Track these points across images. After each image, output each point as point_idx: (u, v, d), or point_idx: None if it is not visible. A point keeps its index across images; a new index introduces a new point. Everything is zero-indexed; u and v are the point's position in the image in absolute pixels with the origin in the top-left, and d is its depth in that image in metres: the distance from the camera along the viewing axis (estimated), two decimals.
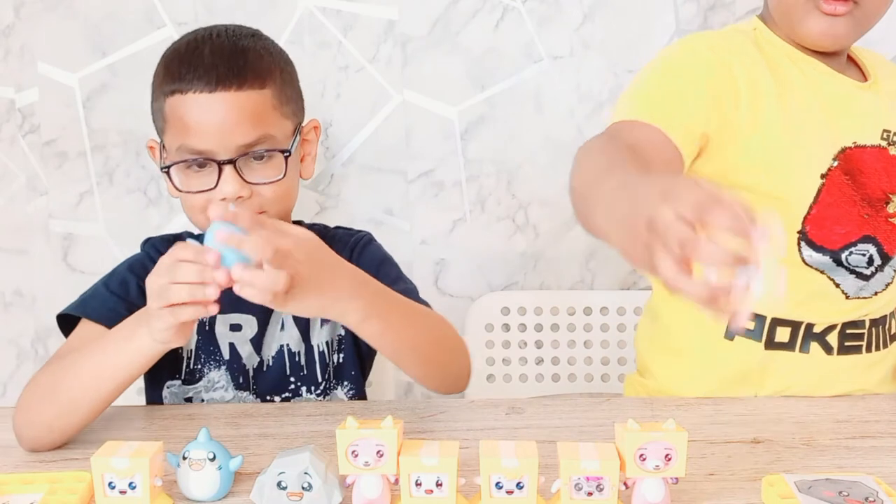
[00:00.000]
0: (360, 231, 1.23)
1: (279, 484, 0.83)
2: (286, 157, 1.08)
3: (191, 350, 1.16)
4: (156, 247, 1.18)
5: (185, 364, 1.16)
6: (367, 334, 0.98)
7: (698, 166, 1.15)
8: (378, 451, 0.81)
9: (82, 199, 1.72)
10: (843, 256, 1.17)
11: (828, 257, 1.17)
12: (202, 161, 1.06)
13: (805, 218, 1.16)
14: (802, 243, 1.17)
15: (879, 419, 1.08)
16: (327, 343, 1.17)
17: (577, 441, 0.84)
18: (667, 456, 0.80)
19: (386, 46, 1.67)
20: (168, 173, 1.09)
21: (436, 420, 1.08)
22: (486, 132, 1.70)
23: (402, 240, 1.72)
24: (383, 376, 1.48)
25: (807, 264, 1.17)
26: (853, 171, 1.17)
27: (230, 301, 1.15)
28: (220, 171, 1.05)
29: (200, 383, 1.16)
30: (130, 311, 1.09)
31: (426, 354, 1.04)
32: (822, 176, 1.16)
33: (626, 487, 0.82)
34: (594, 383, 1.63)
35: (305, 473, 0.83)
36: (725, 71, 1.14)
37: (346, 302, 0.94)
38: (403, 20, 1.66)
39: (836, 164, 1.16)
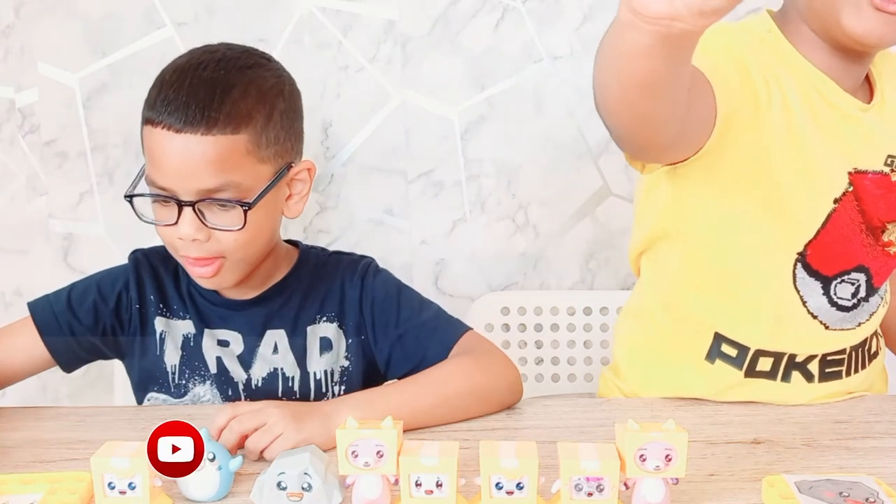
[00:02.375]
0: (364, 256, 1.21)
1: (279, 484, 0.83)
2: (245, 211, 1.03)
3: (174, 365, 1.16)
4: (148, 258, 1.17)
5: (170, 378, 1.16)
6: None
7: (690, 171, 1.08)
8: (378, 452, 0.81)
9: (82, 199, 1.72)
10: (833, 284, 1.13)
11: (819, 283, 1.12)
12: (166, 197, 1.04)
13: (809, 242, 1.11)
14: (799, 265, 1.11)
15: (880, 420, 1.09)
16: (326, 372, 1.16)
17: (577, 441, 0.84)
18: (667, 456, 0.80)
19: (386, 46, 1.67)
20: (131, 202, 1.06)
21: None
22: (486, 132, 1.70)
23: (402, 240, 1.72)
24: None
25: (796, 288, 1.12)
26: (856, 197, 1.11)
27: (219, 316, 1.16)
28: (181, 210, 1.03)
29: (187, 397, 1.16)
30: (71, 328, 1.14)
31: (446, 413, 1.06)
32: (836, 201, 1.10)
33: (627, 488, 0.82)
34: (594, 383, 1.62)
35: (305, 474, 0.83)
36: (746, 79, 1.06)
37: (342, 412, 0.96)
38: (403, 20, 1.66)
39: (851, 188, 1.10)
